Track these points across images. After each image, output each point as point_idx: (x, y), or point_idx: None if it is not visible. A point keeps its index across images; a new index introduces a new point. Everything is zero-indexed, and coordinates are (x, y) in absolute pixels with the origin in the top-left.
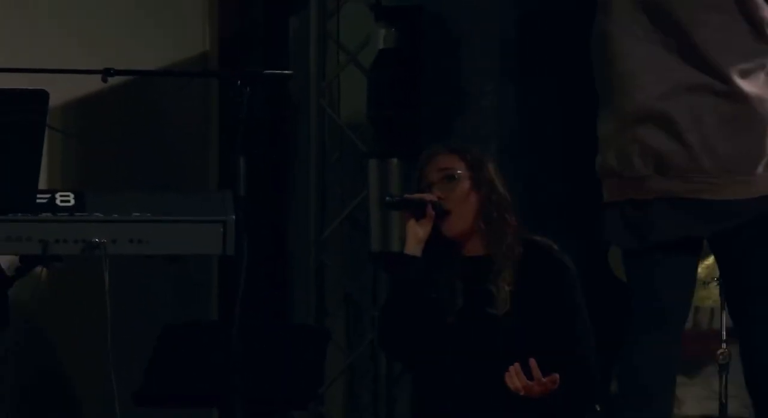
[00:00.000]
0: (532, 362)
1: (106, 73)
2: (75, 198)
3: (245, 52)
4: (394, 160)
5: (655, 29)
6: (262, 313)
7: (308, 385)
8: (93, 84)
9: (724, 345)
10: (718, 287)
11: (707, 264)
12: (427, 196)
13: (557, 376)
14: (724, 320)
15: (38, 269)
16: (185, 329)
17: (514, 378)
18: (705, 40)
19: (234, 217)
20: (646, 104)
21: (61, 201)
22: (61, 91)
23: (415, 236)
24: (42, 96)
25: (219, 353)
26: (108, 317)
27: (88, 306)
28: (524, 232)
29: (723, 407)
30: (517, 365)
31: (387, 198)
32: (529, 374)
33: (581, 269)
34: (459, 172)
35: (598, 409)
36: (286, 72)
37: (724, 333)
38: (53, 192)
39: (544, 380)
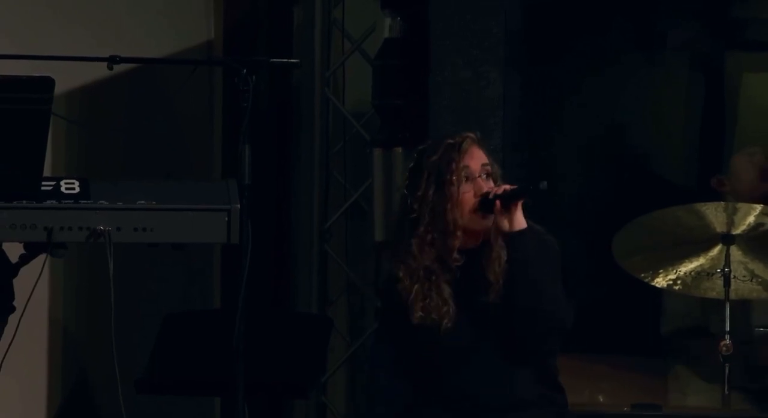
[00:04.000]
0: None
1: (112, 60)
2: (80, 185)
3: (250, 41)
4: (399, 150)
5: None
6: (265, 301)
7: (311, 373)
8: (98, 72)
9: (727, 337)
10: (722, 278)
11: (712, 256)
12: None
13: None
14: (728, 312)
15: (43, 256)
16: (188, 317)
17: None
18: None
19: (239, 205)
20: None
21: (66, 188)
22: (67, 79)
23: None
24: (48, 83)
25: (221, 341)
26: (112, 304)
27: (92, 293)
28: None
29: (726, 398)
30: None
31: (544, 183)
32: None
33: (586, 258)
34: (491, 169)
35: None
36: (293, 61)
37: (727, 325)
38: (58, 179)
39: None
